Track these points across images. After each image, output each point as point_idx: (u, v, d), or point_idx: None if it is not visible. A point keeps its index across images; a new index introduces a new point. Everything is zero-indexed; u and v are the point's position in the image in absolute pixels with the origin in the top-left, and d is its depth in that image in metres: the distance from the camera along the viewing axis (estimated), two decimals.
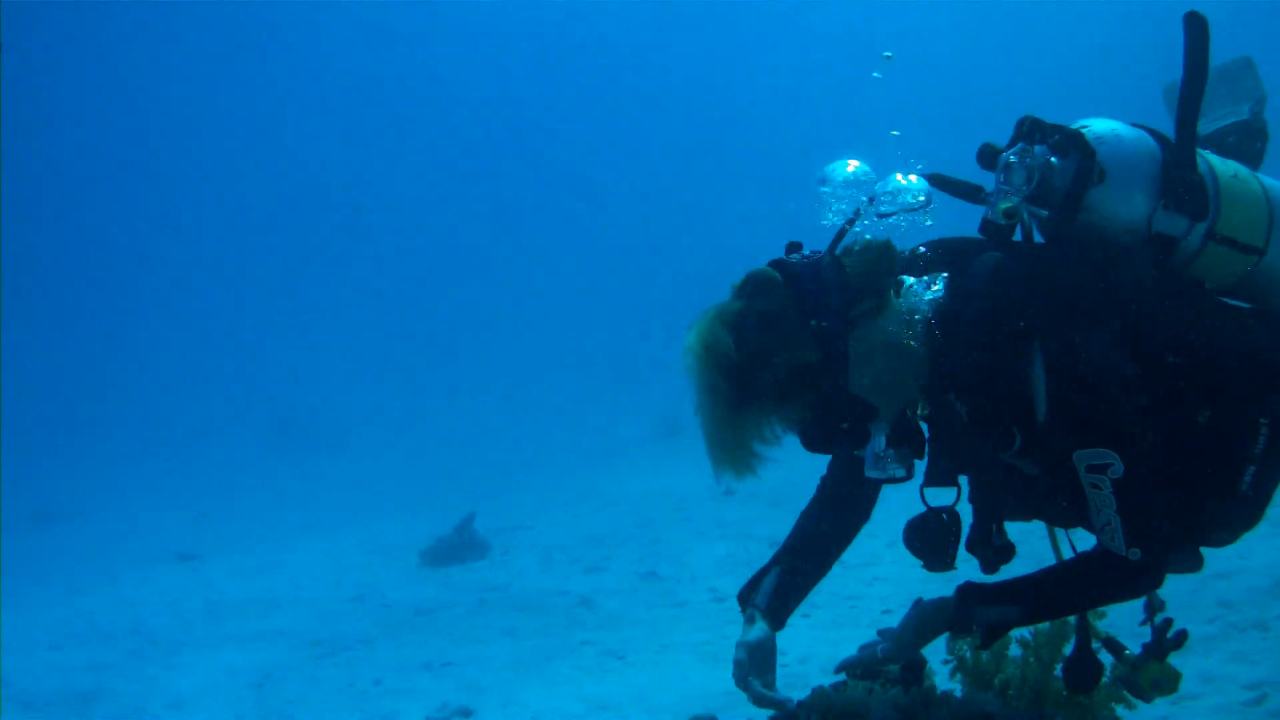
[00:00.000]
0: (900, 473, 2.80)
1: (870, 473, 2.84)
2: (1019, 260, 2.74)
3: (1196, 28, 2.85)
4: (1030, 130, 2.84)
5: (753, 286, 2.66)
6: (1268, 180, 2.95)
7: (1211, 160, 2.88)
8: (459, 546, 10.98)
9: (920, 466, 2.93)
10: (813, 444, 2.68)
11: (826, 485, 3.27)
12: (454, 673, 7.45)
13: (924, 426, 2.84)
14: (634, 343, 29.95)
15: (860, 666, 2.94)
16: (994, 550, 2.97)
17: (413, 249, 49.81)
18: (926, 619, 2.82)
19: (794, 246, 2.76)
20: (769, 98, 49.51)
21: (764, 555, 9.20)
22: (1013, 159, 2.80)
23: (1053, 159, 2.77)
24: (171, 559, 13.42)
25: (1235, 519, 2.79)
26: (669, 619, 8.01)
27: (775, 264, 2.70)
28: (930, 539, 2.98)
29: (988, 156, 2.85)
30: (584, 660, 7.32)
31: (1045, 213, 2.79)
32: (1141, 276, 2.77)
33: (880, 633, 2.93)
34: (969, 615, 2.74)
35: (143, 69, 44.22)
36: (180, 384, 35.22)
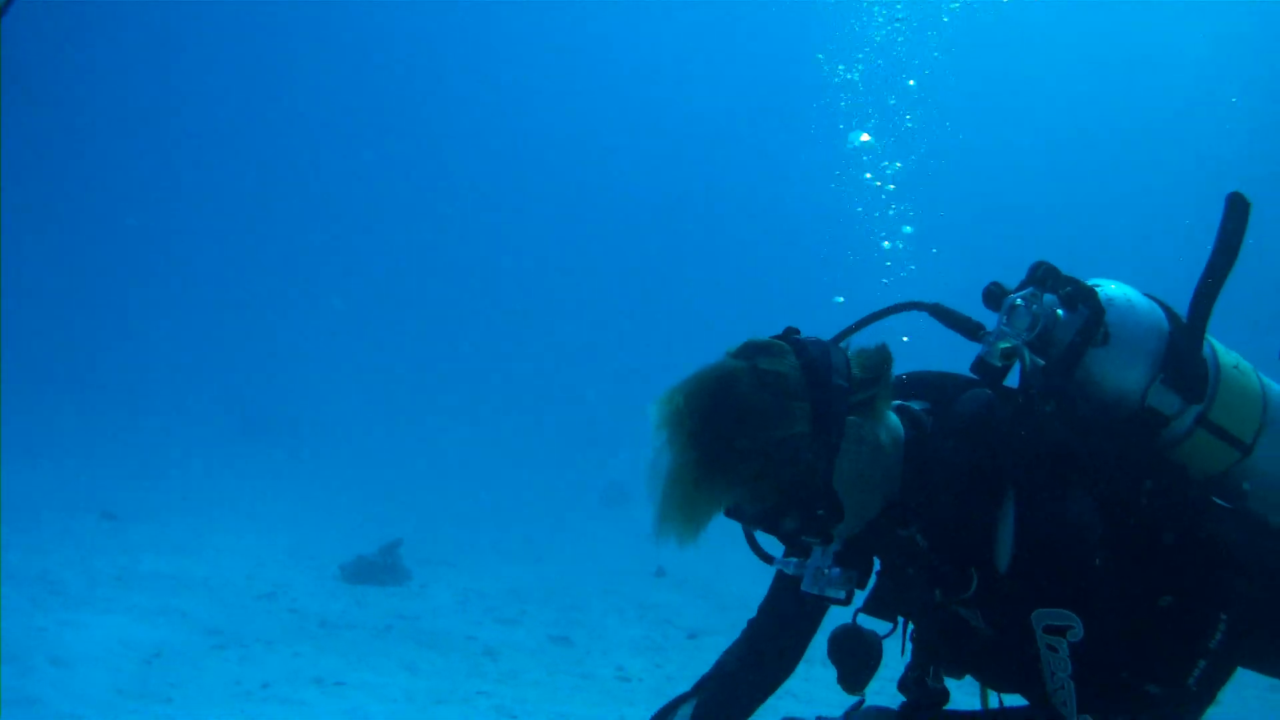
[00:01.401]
0: (840, 594, 2.63)
1: (807, 588, 2.65)
2: (1007, 404, 2.68)
3: (1238, 209, 2.79)
4: (1044, 276, 2.79)
5: (756, 348, 2.55)
6: (1268, 381, 2.92)
7: (1216, 346, 2.84)
8: (380, 569, 10.86)
9: (859, 595, 2.84)
10: (773, 527, 2.54)
11: (755, 630, 3.11)
12: (344, 694, 7.33)
13: (875, 561, 2.74)
14: (595, 405, 29.97)
15: None
16: (927, 693, 2.84)
17: (399, 262, 49.78)
18: None
19: (792, 331, 2.68)
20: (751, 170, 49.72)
21: (680, 644, 9.21)
22: (1019, 302, 2.75)
23: (1060, 311, 2.72)
24: (96, 514, 13.24)
25: (1174, 714, 2.65)
26: (570, 687, 7.90)
27: (781, 336, 2.62)
28: (852, 654, 2.84)
29: (994, 297, 2.80)
30: (475, 712, 7.21)
31: (1043, 362, 2.74)
32: (1126, 449, 2.72)
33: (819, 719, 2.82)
34: None
35: (122, 60, 43.99)
36: (142, 354, 34.90)
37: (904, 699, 2.86)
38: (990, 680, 2.87)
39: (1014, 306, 2.75)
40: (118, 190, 47.61)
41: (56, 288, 39.70)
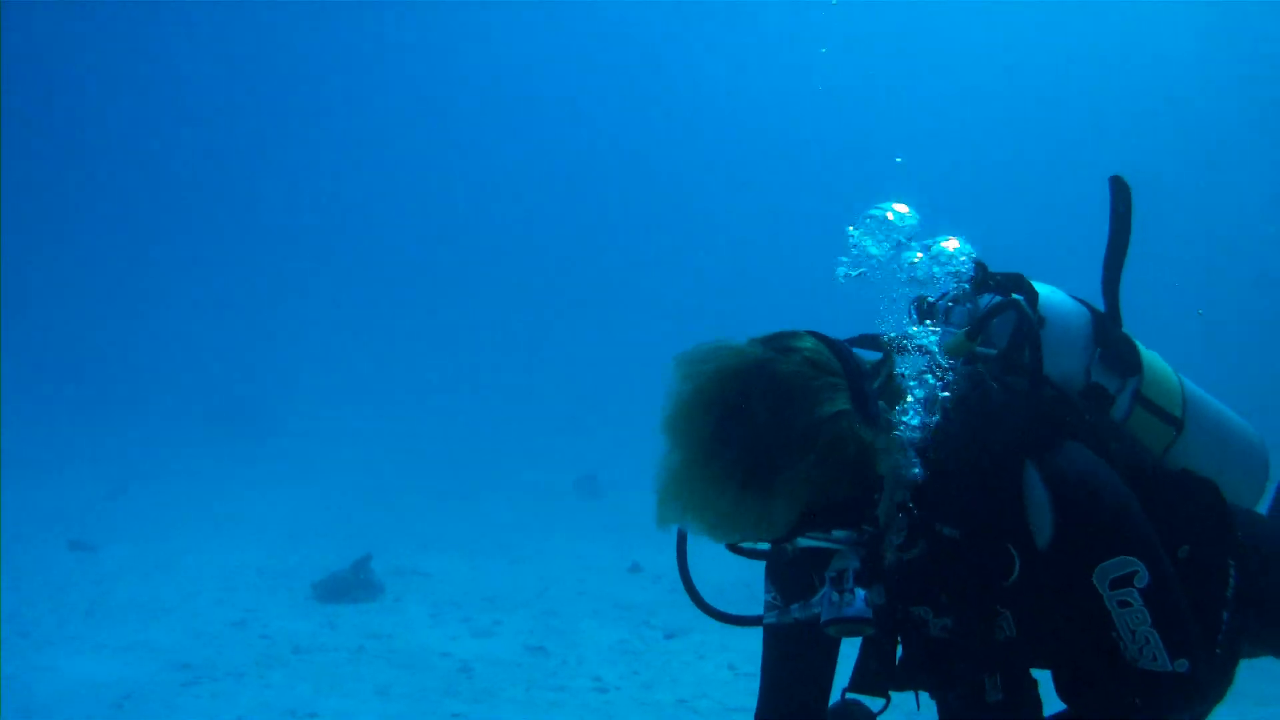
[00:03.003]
0: (866, 612, 2.36)
1: (828, 614, 2.39)
2: (983, 387, 2.62)
3: (1123, 191, 2.93)
4: (975, 273, 2.83)
5: (770, 335, 2.44)
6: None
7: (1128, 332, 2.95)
8: (352, 585, 10.78)
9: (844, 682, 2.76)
10: (818, 518, 2.33)
11: (766, 712, 2.92)
12: None
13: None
14: (568, 397, 29.94)
15: None
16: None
17: (378, 262, 49.59)
18: None
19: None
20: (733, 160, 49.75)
21: (658, 646, 9.18)
22: (950, 304, 2.80)
23: (996, 298, 2.76)
24: (64, 545, 13.07)
25: (1205, 682, 2.51)
26: (547, 703, 7.86)
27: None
28: None
29: (922, 310, 2.80)
30: None
31: (993, 351, 2.73)
32: (1097, 421, 2.72)
33: None
34: None
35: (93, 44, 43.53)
36: (113, 361, 34.67)
37: None
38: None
39: (949, 308, 2.80)
40: (80, 190, 47.20)
41: (16, 296, 39.29)
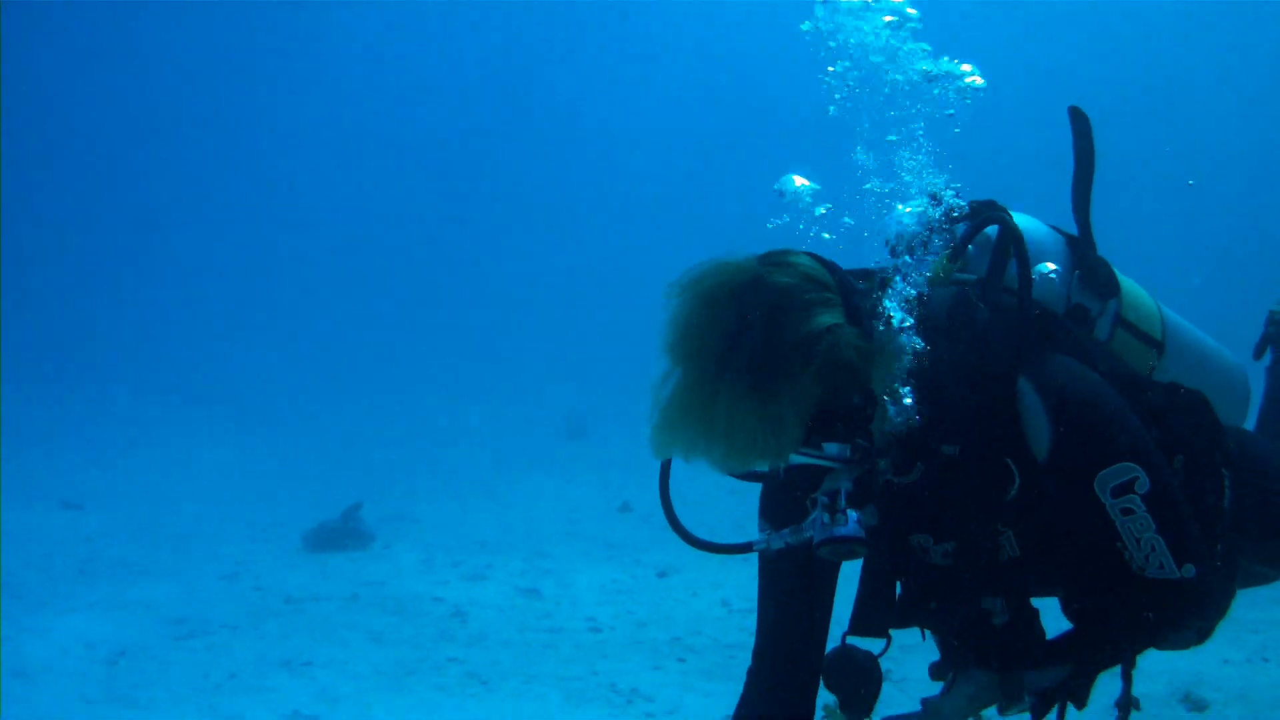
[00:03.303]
0: (859, 532, 2.32)
1: (820, 535, 2.34)
2: (967, 305, 2.62)
3: (1081, 121, 2.99)
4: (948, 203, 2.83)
5: (766, 253, 2.41)
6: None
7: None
8: (342, 534, 10.81)
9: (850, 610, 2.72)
10: (824, 427, 2.28)
11: (767, 642, 2.87)
12: (312, 674, 7.28)
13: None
14: (552, 338, 29.89)
15: None
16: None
17: (345, 224, 49.23)
18: (974, 690, 2.56)
19: None
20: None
21: (650, 585, 9.20)
22: (927, 234, 2.76)
23: (968, 225, 2.76)
24: (56, 505, 13.06)
25: (1206, 594, 2.51)
26: (541, 645, 7.88)
27: None
28: (850, 678, 2.69)
29: (899, 244, 2.76)
30: (446, 680, 7.18)
31: (974, 276, 2.72)
32: (1084, 335, 2.74)
33: (923, 701, 2.60)
34: (1020, 684, 2.51)
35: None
36: (92, 333, 34.51)
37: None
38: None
39: (926, 238, 2.76)
40: (44, 162, 46.67)
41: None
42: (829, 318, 2.28)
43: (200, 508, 12.90)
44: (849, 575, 2.76)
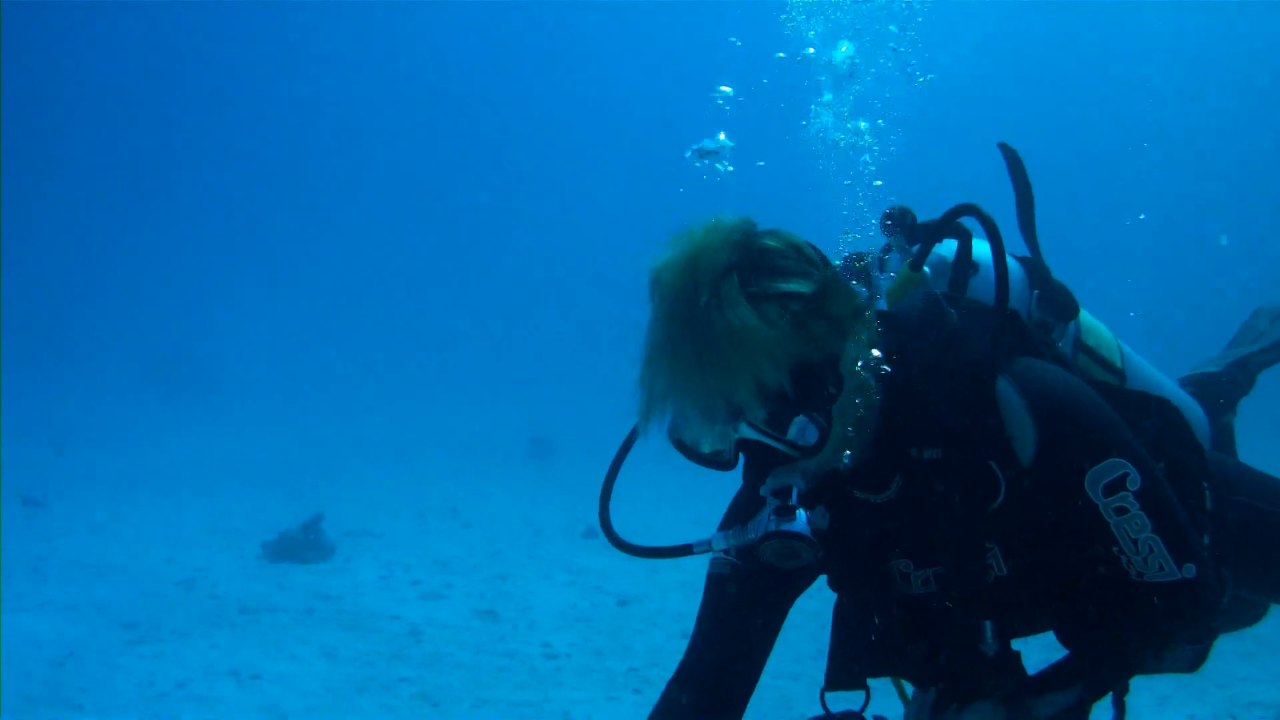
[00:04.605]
0: (805, 529, 2.21)
1: (771, 527, 2.22)
2: (937, 309, 2.54)
3: (1012, 156, 3.03)
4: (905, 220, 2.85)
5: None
6: None
7: None
8: (303, 545, 10.70)
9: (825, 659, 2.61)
10: (800, 384, 2.18)
11: (701, 644, 2.71)
12: (261, 688, 7.18)
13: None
14: (516, 358, 29.81)
15: None
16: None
17: (322, 219, 49.25)
18: None
19: None
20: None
21: (610, 613, 9.12)
22: (883, 256, 2.81)
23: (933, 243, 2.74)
24: (16, 501, 12.91)
25: (1217, 593, 2.45)
26: (495, 669, 7.79)
27: None
28: None
29: (857, 266, 2.62)
30: (396, 700, 7.10)
31: (937, 292, 2.63)
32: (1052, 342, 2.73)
33: None
34: (1028, 714, 2.39)
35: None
36: (61, 312, 34.35)
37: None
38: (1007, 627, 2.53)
39: (883, 259, 2.80)
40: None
41: None
42: (806, 288, 2.22)
43: (160, 507, 12.80)
44: (798, 620, 2.68)
